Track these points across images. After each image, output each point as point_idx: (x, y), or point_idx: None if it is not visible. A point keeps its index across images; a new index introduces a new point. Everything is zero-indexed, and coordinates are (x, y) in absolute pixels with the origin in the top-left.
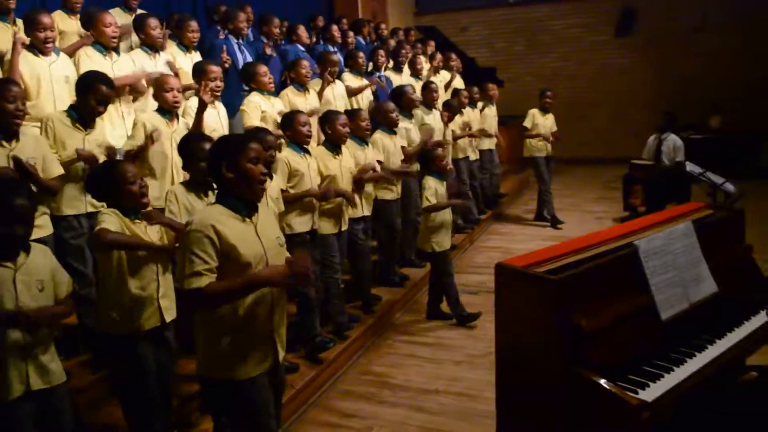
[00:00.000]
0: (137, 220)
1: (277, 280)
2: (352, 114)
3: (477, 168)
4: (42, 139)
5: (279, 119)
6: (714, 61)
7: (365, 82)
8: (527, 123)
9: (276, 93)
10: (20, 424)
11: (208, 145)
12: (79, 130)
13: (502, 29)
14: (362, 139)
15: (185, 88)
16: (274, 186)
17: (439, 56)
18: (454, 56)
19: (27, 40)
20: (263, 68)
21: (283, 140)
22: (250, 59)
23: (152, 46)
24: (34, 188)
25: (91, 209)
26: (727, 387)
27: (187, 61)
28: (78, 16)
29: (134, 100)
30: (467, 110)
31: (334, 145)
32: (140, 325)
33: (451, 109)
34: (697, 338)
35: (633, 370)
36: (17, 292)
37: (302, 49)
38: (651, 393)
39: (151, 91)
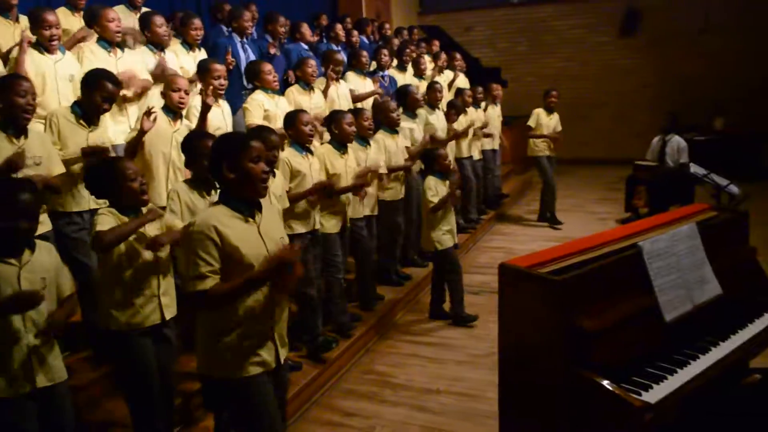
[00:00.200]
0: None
1: (272, 272)
2: (355, 113)
3: (480, 168)
4: (46, 137)
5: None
6: (717, 63)
7: (368, 81)
8: (531, 122)
9: (279, 92)
10: (27, 422)
11: (211, 143)
12: (83, 127)
13: (506, 29)
14: (364, 139)
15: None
16: (278, 183)
17: (443, 56)
18: (458, 56)
19: (33, 38)
20: (268, 66)
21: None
22: (253, 58)
23: (157, 44)
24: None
25: (94, 206)
26: (730, 389)
27: (190, 60)
28: (81, 13)
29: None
30: (471, 110)
31: (340, 144)
32: (141, 322)
33: (455, 109)
34: (700, 340)
35: (636, 371)
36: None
37: (305, 47)
38: (654, 395)
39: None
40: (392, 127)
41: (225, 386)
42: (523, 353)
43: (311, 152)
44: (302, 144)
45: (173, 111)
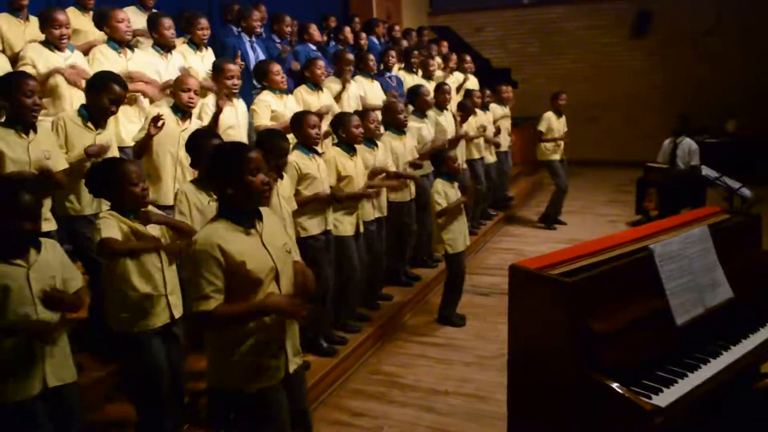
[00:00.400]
0: (137, 220)
1: (287, 311)
2: (361, 115)
3: (495, 170)
4: (52, 133)
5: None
6: (728, 65)
7: (376, 84)
8: (542, 128)
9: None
10: (38, 422)
11: (217, 142)
12: (90, 130)
13: (517, 30)
14: (371, 141)
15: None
16: (286, 186)
17: (453, 57)
18: (468, 58)
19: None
20: (276, 66)
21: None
22: (262, 57)
23: (165, 46)
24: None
25: (106, 207)
26: (742, 394)
27: (197, 60)
28: (91, 13)
29: (151, 102)
30: (479, 113)
31: (349, 146)
32: (151, 322)
33: (464, 110)
34: (711, 344)
35: (646, 374)
36: (32, 291)
37: (314, 48)
38: (664, 398)
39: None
40: (399, 129)
41: (237, 399)
42: (533, 355)
43: (318, 153)
44: (309, 146)
45: (182, 110)
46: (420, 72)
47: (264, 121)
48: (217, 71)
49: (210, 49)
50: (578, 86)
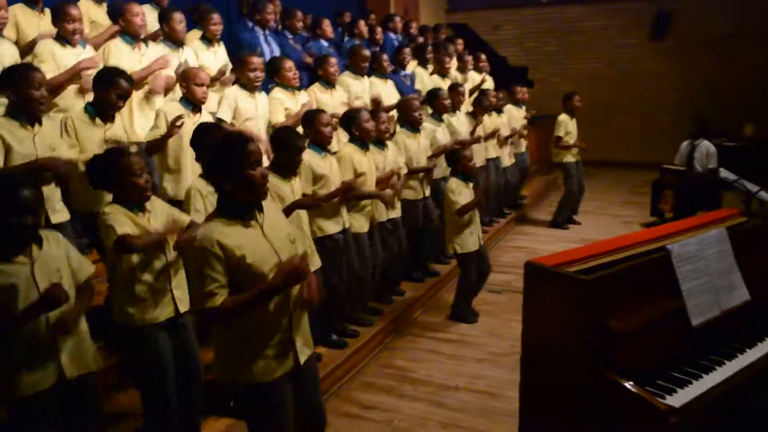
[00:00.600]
0: (140, 213)
1: (279, 285)
2: (372, 115)
3: (515, 170)
4: (58, 127)
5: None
6: (746, 68)
7: (390, 83)
8: (560, 132)
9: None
10: (52, 414)
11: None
12: (99, 126)
13: (535, 29)
14: (381, 142)
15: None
16: (302, 185)
17: (469, 58)
18: (483, 57)
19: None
20: (288, 63)
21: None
22: (277, 52)
23: (176, 41)
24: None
25: None
26: (756, 397)
27: (210, 56)
28: (105, 5)
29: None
30: (494, 114)
31: (362, 142)
32: (156, 316)
33: (481, 107)
34: (727, 346)
35: (661, 375)
36: (38, 287)
37: (326, 44)
38: (678, 399)
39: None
40: (414, 127)
41: (244, 391)
42: (547, 352)
43: (330, 152)
44: (322, 145)
45: (192, 104)
46: (435, 68)
47: (279, 117)
48: (241, 64)
49: (222, 44)
50: (595, 87)
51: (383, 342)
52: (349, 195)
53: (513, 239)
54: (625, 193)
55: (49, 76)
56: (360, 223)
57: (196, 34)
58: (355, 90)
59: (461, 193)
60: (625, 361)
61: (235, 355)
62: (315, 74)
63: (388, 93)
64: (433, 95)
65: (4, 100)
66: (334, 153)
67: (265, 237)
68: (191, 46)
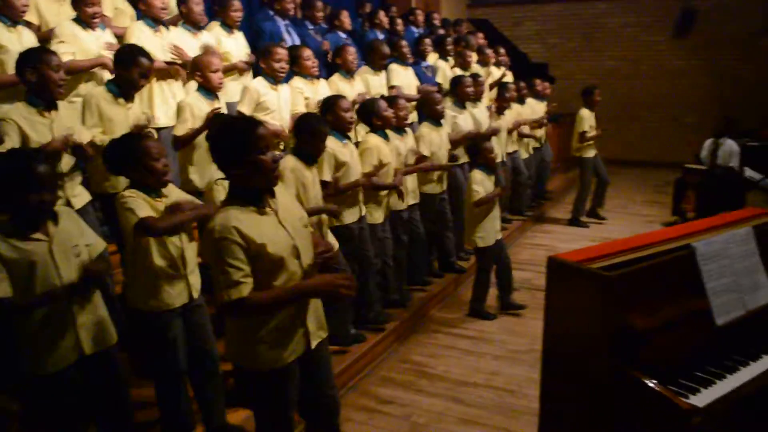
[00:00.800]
0: (158, 198)
1: (324, 291)
2: (390, 102)
3: (535, 163)
4: (74, 107)
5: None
6: None
7: (410, 71)
8: (584, 127)
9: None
10: (74, 391)
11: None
12: (122, 105)
13: (556, 25)
14: (401, 129)
15: (227, 69)
16: (324, 172)
17: (490, 52)
18: (502, 50)
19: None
20: (307, 51)
21: None
22: (298, 42)
23: (194, 23)
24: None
25: None
26: None
27: (230, 42)
28: None
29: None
30: (516, 106)
31: (383, 132)
32: (171, 302)
33: (502, 100)
34: (752, 346)
35: (684, 374)
36: (56, 264)
37: (344, 36)
38: (702, 399)
39: None
40: (437, 120)
41: (253, 376)
42: (569, 349)
43: (350, 139)
44: (342, 131)
45: (210, 91)
46: (456, 62)
47: (300, 108)
48: (266, 54)
49: (241, 32)
50: (618, 84)
51: (401, 337)
52: (369, 185)
53: (532, 236)
54: (647, 192)
55: (68, 56)
56: (376, 214)
57: (215, 22)
58: (374, 84)
59: (484, 185)
60: (648, 360)
61: (247, 340)
62: (333, 65)
63: (409, 80)
64: (457, 82)
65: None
66: (356, 142)
67: (280, 224)
68: (212, 33)
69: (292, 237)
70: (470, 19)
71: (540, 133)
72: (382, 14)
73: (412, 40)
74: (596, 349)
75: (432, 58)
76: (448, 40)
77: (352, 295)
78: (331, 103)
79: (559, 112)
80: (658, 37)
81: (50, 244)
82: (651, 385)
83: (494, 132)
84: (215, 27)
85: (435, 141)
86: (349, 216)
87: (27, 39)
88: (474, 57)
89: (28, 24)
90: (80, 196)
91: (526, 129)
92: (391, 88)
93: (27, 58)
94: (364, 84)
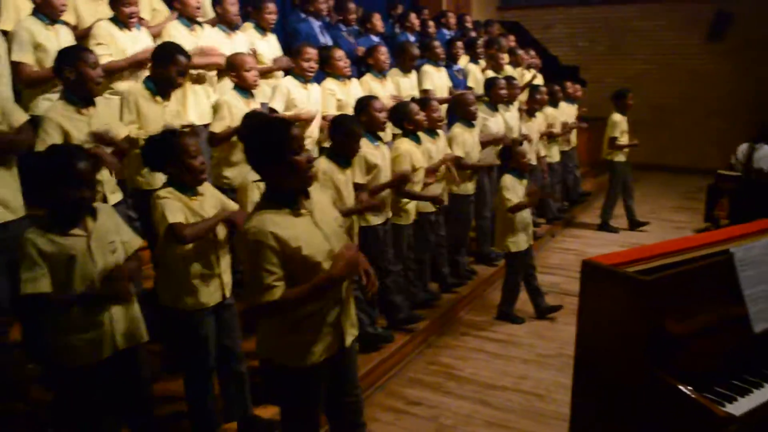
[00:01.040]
0: (193, 197)
1: (340, 276)
2: (423, 104)
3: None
4: (112, 103)
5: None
6: None
7: (443, 72)
8: (616, 132)
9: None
10: (104, 385)
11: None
12: (159, 103)
13: (587, 28)
14: (433, 131)
15: (262, 72)
16: (356, 174)
17: (521, 53)
18: (532, 53)
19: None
20: (339, 52)
21: None
22: (331, 43)
23: (229, 23)
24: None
25: None
26: None
27: (264, 44)
28: None
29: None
30: (548, 109)
31: (415, 135)
32: (204, 301)
33: (533, 101)
34: None
35: (720, 382)
36: (94, 259)
37: (376, 39)
38: (738, 407)
39: None
40: (470, 121)
41: (287, 373)
42: (602, 353)
43: (382, 140)
44: (375, 132)
45: (246, 91)
46: (488, 64)
47: (331, 110)
48: (296, 53)
49: (274, 35)
50: (649, 89)
51: (429, 339)
52: (402, 188)
53: (562, 241)
54: (678, 198)
55: (106, 58)
56: (406, 216)
57: (249, 23)
58: (404, 86)
59: (516, 190)
60: (684, 366)
61: (281, 334)
62: (365, 65)
63: (442, 82)
64: (491, 84)
65: (53, 96)
66: (387, 143)
67: (316, 225)
68: (246, 34)
69: (327, 238)
70: (501, 22)
71: (571, 137)
72: (413, 16)
73: (444, 43)
74: (630, 354)
75: (463, 62)
76: (479, 43)
77: (374, 283)
78: (364, 104)
79: (589, 116)
80: (689, 40)
81: (88, 240)
82: (687, 392)
83: (525, 138)
84: (249, 29)
85: (468, 142)
86: (376, 218)
87: (64, 38)
88: (506, 59)
89: (65, 23)
90: (114, 193)
91: (557, 130)
92: (423, 92)
93: (65, 56)
94: (394, 86)
